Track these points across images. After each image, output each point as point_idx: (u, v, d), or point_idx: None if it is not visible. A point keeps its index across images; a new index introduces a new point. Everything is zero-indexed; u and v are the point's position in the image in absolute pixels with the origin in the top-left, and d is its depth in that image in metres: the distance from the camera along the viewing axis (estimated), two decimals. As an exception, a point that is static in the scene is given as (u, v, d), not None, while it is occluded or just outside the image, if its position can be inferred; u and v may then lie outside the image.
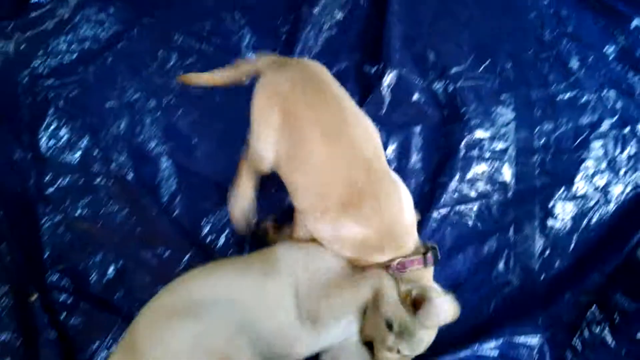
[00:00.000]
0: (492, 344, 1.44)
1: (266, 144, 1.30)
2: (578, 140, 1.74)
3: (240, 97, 1.66)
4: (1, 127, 1.61)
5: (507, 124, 1.74)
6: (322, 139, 1.21)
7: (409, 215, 1.27)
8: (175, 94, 1.70)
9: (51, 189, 1.58)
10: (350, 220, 1.21)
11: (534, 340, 1.47)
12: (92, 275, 1.51)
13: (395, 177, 1.31)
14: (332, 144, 1.21)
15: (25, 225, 1.54)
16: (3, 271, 1.41)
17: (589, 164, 1.70)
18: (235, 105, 1.68)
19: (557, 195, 1.65)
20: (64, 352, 1.39)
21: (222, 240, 1.56)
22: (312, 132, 1.22)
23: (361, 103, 1.68)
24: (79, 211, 1.56)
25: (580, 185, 1.67)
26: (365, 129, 1.27)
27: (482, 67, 1.80)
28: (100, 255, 1.52)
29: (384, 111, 1.71)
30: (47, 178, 1.59)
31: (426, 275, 1.26)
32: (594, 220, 1.64)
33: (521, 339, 1.47)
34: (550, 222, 1.62)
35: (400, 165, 1.69)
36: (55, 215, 1.55)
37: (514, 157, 1.70)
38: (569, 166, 1.70)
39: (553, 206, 1.64)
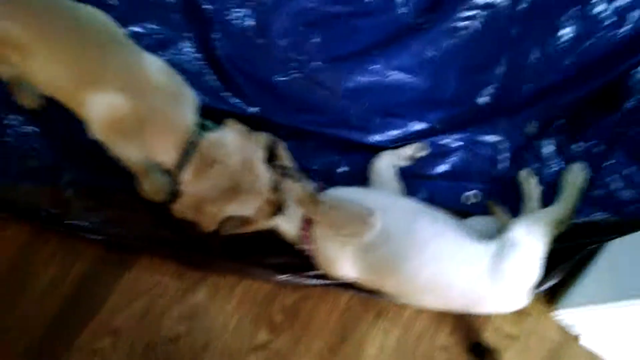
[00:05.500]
0: (456, 136, 1.62)
1: None
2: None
3: None
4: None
5: None
6: None
7: None
8: None
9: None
10: None
11: (493, 138, 1.62)
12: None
13: None
14: None
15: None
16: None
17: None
18: None
19: (570, 13, 1.61)
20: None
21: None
22: None
23: None
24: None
25: (597, 7, 1.61)
26: None
27: None
28: None
29: None
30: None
31: None
32: (601, 42, 1.60)
33: (481, 137, 1.62)
34: (551, 40, 1.62)
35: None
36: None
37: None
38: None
39: (562, 23, 1.62)
